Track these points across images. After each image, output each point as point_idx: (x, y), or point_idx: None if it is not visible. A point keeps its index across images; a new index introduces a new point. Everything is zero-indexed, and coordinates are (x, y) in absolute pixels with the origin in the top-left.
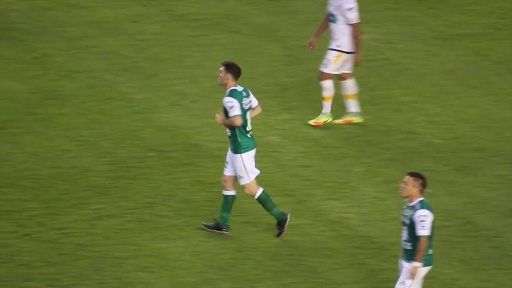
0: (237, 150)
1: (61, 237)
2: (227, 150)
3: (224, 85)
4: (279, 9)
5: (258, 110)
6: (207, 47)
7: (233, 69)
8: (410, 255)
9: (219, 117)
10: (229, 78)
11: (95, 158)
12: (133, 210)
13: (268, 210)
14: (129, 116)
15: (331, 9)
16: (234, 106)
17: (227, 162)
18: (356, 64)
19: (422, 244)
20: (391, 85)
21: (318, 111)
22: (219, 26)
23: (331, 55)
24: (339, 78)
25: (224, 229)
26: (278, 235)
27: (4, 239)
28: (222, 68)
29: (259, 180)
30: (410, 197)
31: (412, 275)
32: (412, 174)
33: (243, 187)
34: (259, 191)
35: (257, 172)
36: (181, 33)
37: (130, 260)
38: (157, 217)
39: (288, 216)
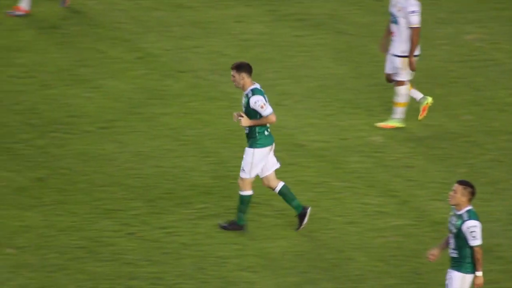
0: (252, 145)
1: (165, 236)
2: (331, 150)
3: (242, 87)
4: (383, 8)
5: None
6: (311, 47)
7: (245, 67)
8: (456, 263)
9: (244, 120)
10: (245, 77)
11: (199, 157)
12: (236, 209)
13: (239, 210)
14: (232, 116)
15: (394, 10)
16: (265, 104)
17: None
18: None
19: (478, 254)
20: (496, 85)
21: (419, 112)
22: (323, 26)
23: (398, 63)
24: (387, 80)
25: (304, 213)
26: (222, 226)
27: (109, 238)
28: (233, 72)
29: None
30: (458, 206)
31: (477, 285)
32: (461, 182)
33: (239, 177)
34: (249, 192)
35: (259, 172)
36: (285, 33)
37: (233, 259)
38: (260, 217)
39: (245, 228)
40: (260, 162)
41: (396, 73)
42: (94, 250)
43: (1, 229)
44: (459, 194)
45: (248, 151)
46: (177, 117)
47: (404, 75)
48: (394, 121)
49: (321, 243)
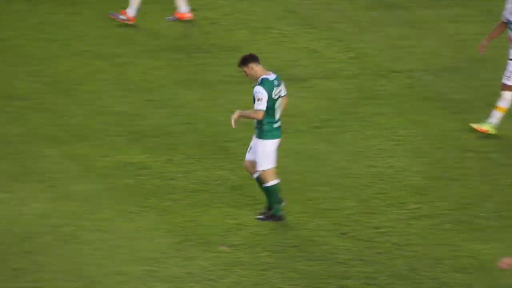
0: (261, 135)
1: (378, 236)
2: None
3: (255, 77)
4: None
5: (285, 100)
6: None
7: (249, 58)
8: None
9: (235, 113)
10: (253, 67)
11: (412, 158)
12: (450, 210)
13: (270, 203)
14: (447, 116)
15: (509, 16)
16: (262, 99)
17: (250, 147)
18: None
19: None
20: None
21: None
22: None
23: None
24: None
25: (276, 216)
26: (259, 217)
27: (321, 237)
28: (242, 68)
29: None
30: None
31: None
32: None
33: (258, 172)
34: (274, 182)
35: (274, 164)
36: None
37: (446, 260)
38: (474, 218)
39: (283, 218)
40: (272, 153)
41: (508, 76)
42: (307, 249)
43: (215, 227)
44: None
45: (259, 142)
46: (391, 117)
47: None
48: (488, 125)
49: None
